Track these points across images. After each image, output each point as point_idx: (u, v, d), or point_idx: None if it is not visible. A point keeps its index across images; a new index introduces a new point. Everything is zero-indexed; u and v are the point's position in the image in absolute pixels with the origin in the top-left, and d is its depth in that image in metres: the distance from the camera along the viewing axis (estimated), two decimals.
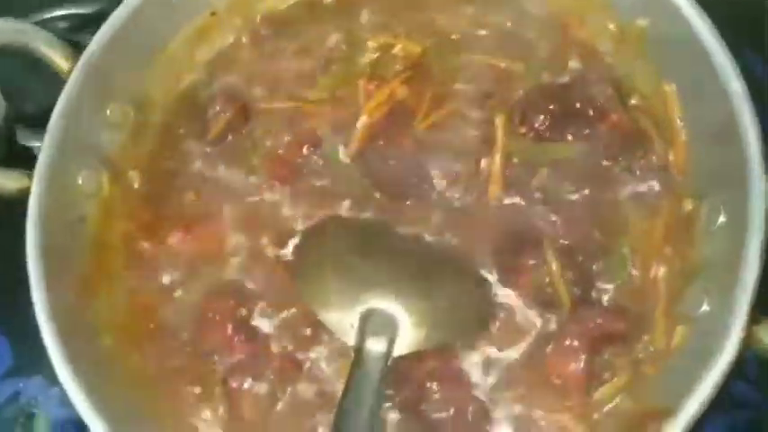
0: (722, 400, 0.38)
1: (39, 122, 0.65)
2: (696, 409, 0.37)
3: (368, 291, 0.44)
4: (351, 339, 0.43)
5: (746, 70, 0.62)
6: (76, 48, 0.67)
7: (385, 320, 0.43)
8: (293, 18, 0.53)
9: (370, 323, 0.43)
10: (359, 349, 0.42)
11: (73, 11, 0.74)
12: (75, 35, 0.70)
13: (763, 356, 0.37)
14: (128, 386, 0.45)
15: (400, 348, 0.42)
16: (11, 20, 0.51)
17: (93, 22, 0.70)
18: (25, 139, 0.66)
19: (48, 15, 0.74)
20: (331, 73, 0.51)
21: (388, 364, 0.42)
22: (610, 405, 0.42)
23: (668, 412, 0.37)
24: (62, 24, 0.74)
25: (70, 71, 0.49)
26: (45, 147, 0.47)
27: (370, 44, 0.52)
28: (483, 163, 0.47)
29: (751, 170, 0.40)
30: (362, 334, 0.42)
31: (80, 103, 0.48)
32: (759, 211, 0.39)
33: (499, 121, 0.47)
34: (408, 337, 0.43)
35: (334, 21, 0.53)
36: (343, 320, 0.43)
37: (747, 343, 0.37)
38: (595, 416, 0.42)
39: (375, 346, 0.42)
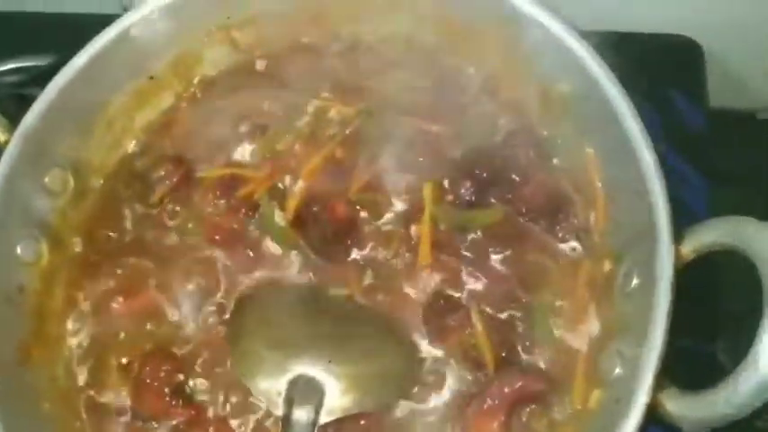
0: None
1: None
2: None
3: (296, 358, 0.45)
4: (278, 409, 0.44)
5: (681, 120, 0.65)
6: (24, 101, 0.69)
7: (312, 387, 0.44)
8: (230, 83, 0.55)
9: (298, 391, 0.44)
10: (286, 419, 0.43)
11: (24, 63, 0.75)
12: (25, 89, 0.72)
13: (668, 423, 0.39)
14: None
15: (327, 415, 0.43)
16: None
17: (45, 75, 0.73)
18: None
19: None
20: (268, 137, 0.53)
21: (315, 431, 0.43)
22: None
23: None
24: (12, 78, 0.75)
25: (7, 141, 0.49)
26: None
27: (308, 108, 0.53)
28: (412, 229, 0.49)
29: (659, 235, 0.42)
30: (290, 403, 0.43)
31: (18, 172, 0.49)
32: (666, 277, 0.40)
33: (426, 190, 0.49)
34: (336, 403, 0.44)
35: (270, 85, 0.54)
36: (271, 389, 0.44)
37: (653, 410, 0.38)
38: None
39: (302, 414, 0.43)
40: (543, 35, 0.48)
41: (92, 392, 0.49)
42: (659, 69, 0.66)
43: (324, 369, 0.44)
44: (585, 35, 0.63)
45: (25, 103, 0.68)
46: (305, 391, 0.44)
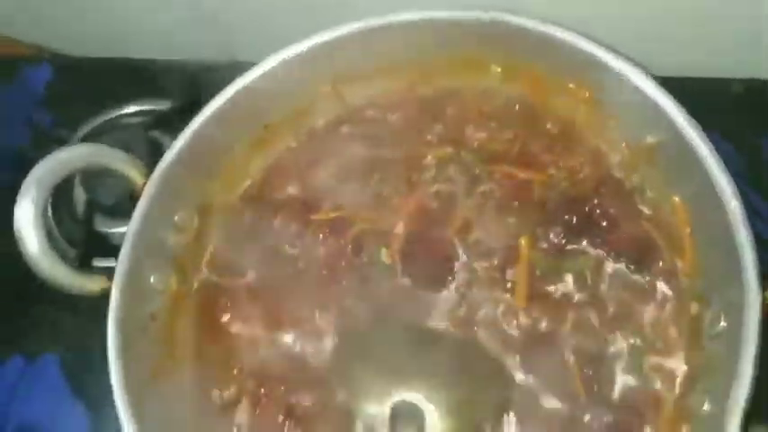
0: None
1: (114, 210, 0.74)
2: None
3: (399, 385, 0.50)
4: (383, 430, 0.48)
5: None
6: (150, 143, 0.76)
7: (413, 412, 0.48)
8: (336, 132, 0.61)
9: (401, 415, 0.48)
10: None
11: (145, 107, 0.82)
12: (147, 130, 0.79)
13: None
14: None
15: None
16: (88, 144, 0.59)
17: (165, 119, 0.80)
18: (103, 225, 0.74)
19: (125, 111, 0.83)
20: (373, 182, 0.58)
21: None
22: None
23: None
24: (136, 119, 0.82)
25: (144, 184, 0.56)
26: (123, 252, 0.53)
27: (405, 154, 0.58)
28: (508, 273, 0.53)
29: (747, 281, 0.44)
30: (394, 425, 0.48)
31: (152, 212, 0.55)
32: (754, 323, 0.43)
33: (524, 242, 0.53)
34: (436, 427, 0.48)
35: (373, 134, 0.59)
36: (376, 413, 0.49)
37: None
38: None
39: None
40: (628, 87, 0.51)
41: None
42: (745, 114, 0.68)
43: (424, 396, 0.49)
44: (674, 82, 0.66)
45: (149, 144, 0.76)
46: (407, 415, 0.48)
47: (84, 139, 0.81)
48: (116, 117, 0.82)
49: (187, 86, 0.81)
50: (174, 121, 0.78)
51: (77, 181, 0.75)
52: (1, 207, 0.74)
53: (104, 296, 0.53)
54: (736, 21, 0.68)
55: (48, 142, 0.80)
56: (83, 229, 0.73)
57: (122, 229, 0.73)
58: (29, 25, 0.91)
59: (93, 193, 0.72)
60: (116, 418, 0.66)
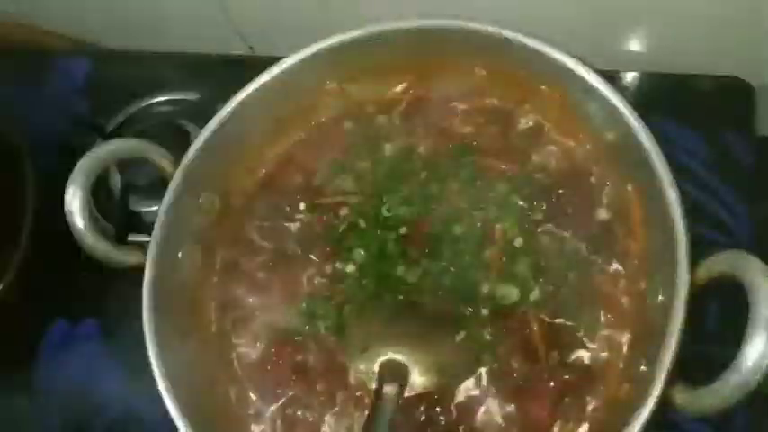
0: None
1: (147, 192, 0.83)
2: None
3: (388, 347, 0.57)
4: (372, 384, 0.56)
5: (730, 154, 0.74)
6: (176, 130, 0.84)
7: (399, 369, 0.56)
8: (339, 126, 0.68)
9: (387, 371, 0.56)
10: (378, 390, 0.55)
11: (174, 97, 0.89)
12: (176, 118, 0.86)
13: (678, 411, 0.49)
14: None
15: (409, 390, 0.56)
16: (127, 138, 0.68)
17: (192, 108, 0.88)
18: (137, 205, 0.82)
19: (156, 100, 0.90)
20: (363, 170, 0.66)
21: (399, 402, 0.55)
22: None
23: None
24: (165, 108, 0.89)
25: (173, 172, 0.63)
26: (155, 230, 0.61)
27: (398, 146, 0.66)
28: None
29: (679, 262, 0.51)
30: (381, 379, 0.56)
31: (180, 195, 0.62)
32: (683, 294, 0.50)
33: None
34: (417, 382, 0.56)
35: (373, 128, 0.68)
36: (368, 369, 0.57)
37: (665, 400, 0.49)
38: None
39: (390, 389, 0.55)
40: (592, 92, 0.58)
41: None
42: (711, 108, 0.75)
43: (408, 356, 0.57)
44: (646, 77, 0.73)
45: (177, 131, 0.84)
46: (393, 371, 0.56)
47: (119, 127, 0.90)
48: (148, 106, 0.89)
49: (211, 79, 0.89)
50: (199, 111, 0.87)
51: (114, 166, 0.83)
52: (46, 189, 0.84)
53: (139, 268, 0.61)
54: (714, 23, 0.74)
55: (86, 129, 0.89)
56: (120, 208, 0.81)
57: (154, 209, 0.82)
58: (69, 20, 0.99)
59: (128, 177, 0.81)
60: (148, 376, 0.77)
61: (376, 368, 0.57)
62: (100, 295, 0.80)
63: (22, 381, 0.79)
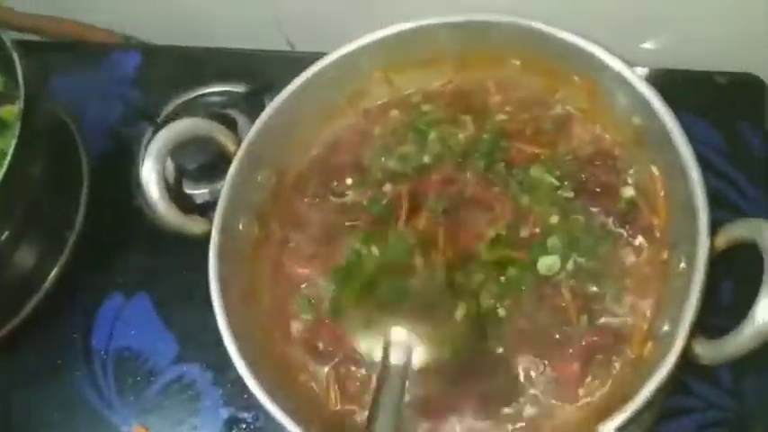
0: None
1: (198, 175, 0.89)
2: (641, 401, 0.53)
3: (392, 322, 0.62)
4: (379, 356, 0.61)
5: (744, 144, 0.80)
6: (226, 120, 0.90)
7: (404, 342, 0.60)
8: (386, 113, 0.74)
9: (394, 344, 0.60)
10: (385, 362, 0.60)
11: (223, 89, 0.95)
12: (226, 110, 0.92)
13: (695, 363, 0.55)
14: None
15: (416, 363, 0.60)
16: (198, 119, 0.73)
17: (241, 100, 0.93)
18: (189, 188, 0.88)
19: (203, 92, 0.96)
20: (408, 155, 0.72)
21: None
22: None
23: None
24: (214, 99, 0.95)
25: (235, 151, 0.70)
26: (219, 203, 0.67)
27: (440, 134, 0.72)
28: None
29: (701, 234, 0.57)
30: (387, 351, 0.60)
31: (241, 173, 0.68)
32: (702, 264, 0.56)
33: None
34: (421, 355, 0.60)
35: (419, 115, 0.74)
36: (374, 343, 0.62)
37: (686, 352, 0.54)
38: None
39: (397, 359, 0.59)
40: (620, 81, 0.65)
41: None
42: (727, 102, 0.81)
43: (412, 330, 0.61)
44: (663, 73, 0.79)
45: (225, 119, 0.90)
46: (398, 344, 0.60)
47: (169, 116, 0.96)
48: (196, 97, 0.95)
49: (257, 73, 0.95)
50: (245, 102, 0.93)
51: None
52: (100, 174, 0.90)
53: (204, 238, 0.67)
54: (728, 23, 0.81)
55: (137, 118, 0.96)
56: (174, 190, 0.87)
57: (204, 191, 0.89)
58: (120, 17, 1.06)
59: (180, 161, 0.87)
60: (199, 346, 0.83)
61: (381, 342, 0.61)
62: (152, 270, 0.86)
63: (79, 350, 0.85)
